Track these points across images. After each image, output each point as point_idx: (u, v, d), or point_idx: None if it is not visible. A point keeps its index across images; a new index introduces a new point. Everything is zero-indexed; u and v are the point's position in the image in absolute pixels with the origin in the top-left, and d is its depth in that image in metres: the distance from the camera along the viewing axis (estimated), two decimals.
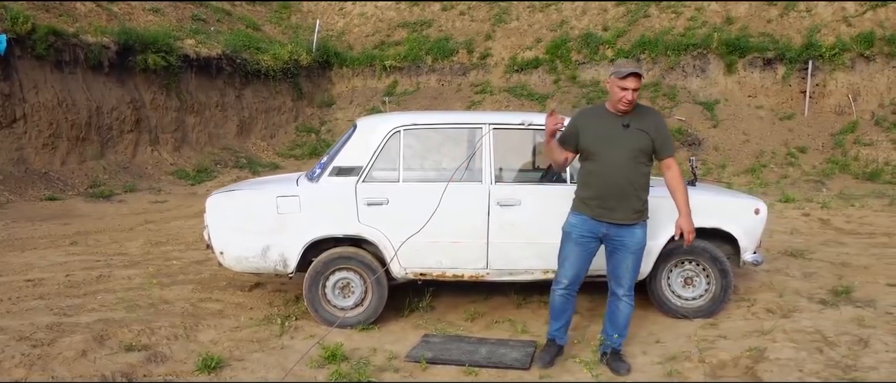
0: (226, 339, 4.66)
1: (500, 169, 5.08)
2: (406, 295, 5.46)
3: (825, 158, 14.46)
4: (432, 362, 4.38)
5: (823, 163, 14.29)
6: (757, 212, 5.13)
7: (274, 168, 14.98)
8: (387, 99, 18.24)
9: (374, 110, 17.96)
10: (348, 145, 5.07)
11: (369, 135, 5.06)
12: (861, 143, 14.56)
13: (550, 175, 5.11)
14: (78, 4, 14.06)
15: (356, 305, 5.03)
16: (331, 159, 5.09)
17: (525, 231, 4.92)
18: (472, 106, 17.55)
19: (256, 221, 4.98)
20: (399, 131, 5.02)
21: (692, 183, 5.41)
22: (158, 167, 13.46)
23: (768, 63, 16.38)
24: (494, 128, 5.01)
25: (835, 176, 13.68)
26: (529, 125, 5.06)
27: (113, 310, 5.11)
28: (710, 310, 5.11)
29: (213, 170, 14.10)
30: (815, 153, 14.73)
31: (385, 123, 5.08)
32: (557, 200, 4.93)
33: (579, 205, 4.18)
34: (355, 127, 5.21)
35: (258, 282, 6.02)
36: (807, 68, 15.87)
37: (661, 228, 4.94)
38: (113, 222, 9.04)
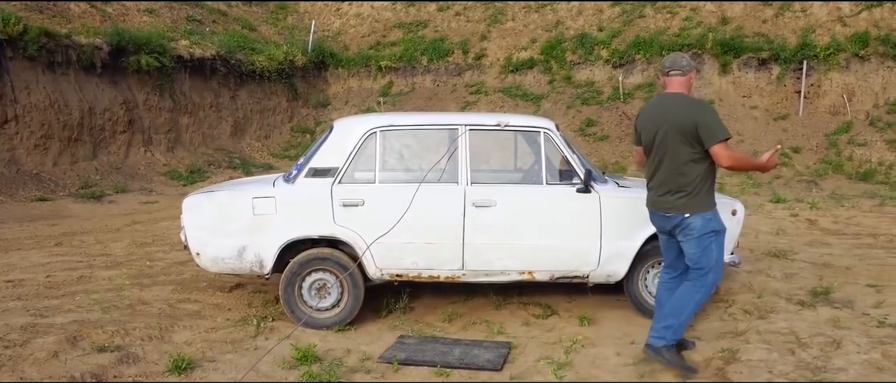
0: (200, 340, 4.66)
1: (476, 170, 5.07)
2: (384, 297, 5.46)
3: (819, 158, 14.44)
4: (405, 363, 4.38)
5: (817, 163, 14.27)
6: (733, 213, 5.11)
7: (268, 168, 14.98)
8: (382, 99, 18.26)
9: (370, 111, 17.97)
10: (325, 146, 5.08)
11: (346, 136, 5.06)
12: (855, 144, 14.54)
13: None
14: (72, 5, 14.09)
15: (333, 306, 5.03)
16: (307, 160, 5.09)
17: (500, 232, 4.92)
18: (466, 106, 17.56)
19: (232, 222, 4.98)
20: (375, 132, 5.02)
21: None
22: (151, 168, 13.48)
23: (763, 63, 16.38)
24: (470, 130, 5.02)
25: (828, 176, 13.66)
26: (505, 126, 5.06)
27: (90, 311, 5.11)
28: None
29: (206, 170, 14.11)
30: (809, 153, 14.70)
31: (361, 125, 5.09)
32: (532, 201, 4.97)
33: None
34: (332, 128, 5.21)
35: (239, 283, 6.02)
36: (801, 68, 15.86)
37: (636, 229, 4.95)
38: (101, 223, 9.06)
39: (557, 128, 5.13)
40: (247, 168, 14.88)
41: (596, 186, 4.95)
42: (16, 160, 11.25)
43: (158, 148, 14.16)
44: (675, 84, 4.10)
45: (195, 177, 13.43)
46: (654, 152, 4.10)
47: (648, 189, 4.26)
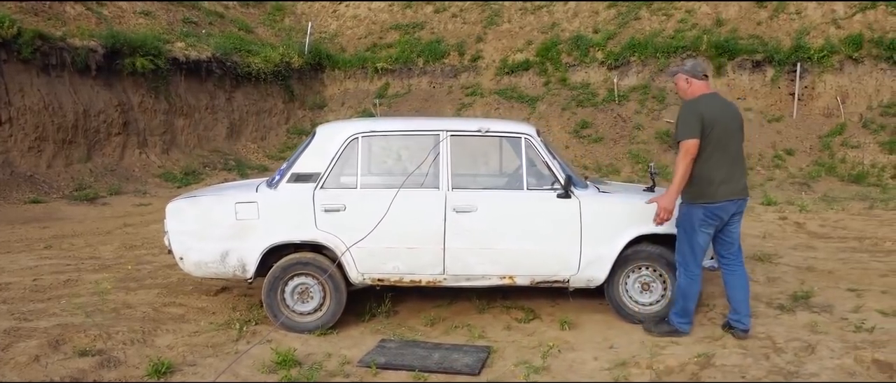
0: (182, 344, 4.70)
1: (458, 175, 5.11)
2: (367, 301, 5.50)
3: (812, 161, 14.47)
4: (384, 367, 4.41)
5: (810, 165, 14.30)
6: None
7: (263, 170, 15.02)
8: (378, 101, 18.29)
9: (366, 112, 18.02)
10: (307, 152, 5.12)
11: (328, 142, 5.11)
12: (848, 146, 14.57)
13: None
14: (67, 7, 14.14)
15: (315, 310, 5.07)
16: (289, 166, 5.14)
17: (481, 237, 4.96)
18: (462, 108, 17.60)
19: (215, 227, 5.02)
20: (357, 138, 5.07)
21: (651, 188, 5.45)
22: (146, 169, 13.52)
23: (757, 65, 16.39)
24: (452, 135, 5.06)
25: (821, 178, 13.70)
26: (486, 132, 5.10)
27: (74, 315, 5.15)
28: (667, 316, 5.14)
29: (200, 172, 14.16)
30: (803, 155, 14.74)
31: (343, 130, 5.13)
32: (513, 207, 5.01)
33: None
34: (314, 133, 5.26)
35: (225, 287, 6.06)
36: (795, 70, 15.88)
37: (616, 234, 5.00)
38: (92, 225, 9.10)
39: (538, 134, 5.18)
40: (242, 170, 14.92)
41: (576, 192, 4.99)
42: (10, 162, 11.30)
43: (153, 150, 14.21)
44: (707, 87, 4.63)
45: (190, 179, 13.48)
46: (726, 145, 4.49)
47: (722, 182, 4.48)
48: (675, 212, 4.64)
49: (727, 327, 4.85)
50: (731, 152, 4.52)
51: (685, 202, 4.64)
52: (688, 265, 4.68)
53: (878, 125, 14.80)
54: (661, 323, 4.88)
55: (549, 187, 5.02)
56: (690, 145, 4.41)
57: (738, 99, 16.34)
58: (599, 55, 17.64)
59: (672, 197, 4.54)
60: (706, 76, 4.65)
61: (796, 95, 15.87)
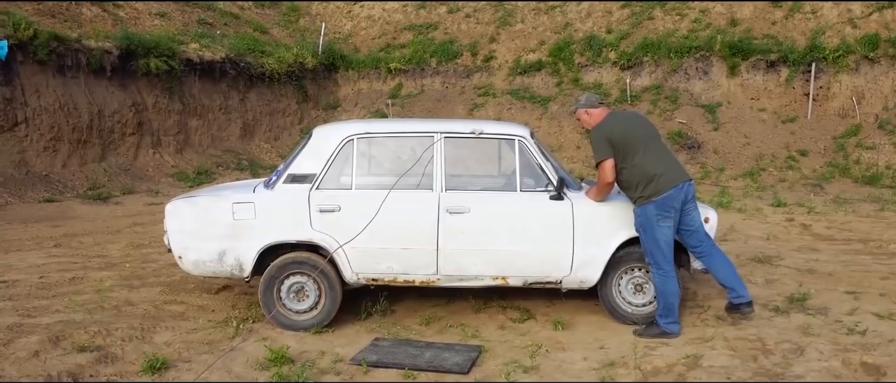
0: (179, 341, 4.80)
1: (451, 176, 5.17)
2: (363, 300, 5.56)
3: (826, 162, 14.35)
4: (375, 365, 4.48)
5: (824, 166, 14.18)
6: (706, 220, 5.16)
7: (274, 169, 15.13)
8: (390, 102, 18.38)
9: (379, 113, 18.12)
10: (303, 153, 5.21)
11: (323, 143, 5.19)
12: (863, 147, 14.42)
13: None
14: (84, 10, 14.37)
15: (311, 308, 5.15)
16: (286, 167, 5.23)
17: (474, 238, 5.01)
18: (474, 108, 17.63)
19: (213, 227, 5.11)
20: (352, 139, 5.14)
21: None
22: (159, 169, 13.71)
23: (771, 65, 16.27)
24: (446, 137, 5.12)
25: (834, 179, 13.58)
26: (480, 134, 5.15)
27: (76, 312, 5.27)
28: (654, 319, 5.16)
29: (213, 172, 14.32)
30: (817, 156, 14.61)
31: (339, 132, 5.21)
32: (506, 208, 5.05)
33: None
34: (310, 135, 5.34)
35: (226, 285, 6.15)
36: (810, 70, 15.74)
37: (608, 236, 5.03)
38: (103, 224, 9.26)
39: (532, 136, 5.22)
40: (255, 170, 15.07)
41: (569, 193, 5.02)
42: (25, 162, 11.52)
43: (167, 150, 14.40)
44: (605, 110, 5.09)
45: (202, 179, 13.64)
46: (646, 146, 4.85)
47: (660, 175, 4.74)
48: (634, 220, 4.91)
49: (732, 309, 4.97)
50: (654, 149, 4.89)
51: (638, 206, 4.81)
52: (658, 263, 4.78)
53: (894, 126, 14.63)
54: (650, 327, 4.91)
55: (543, 189, 5.06)
56: (607, 164, 4.82)
57: (752, 99, 16.29)
58: (612, 55, 17.59)
59: (593, 195, 5.01)
60: (602, 103, 5.15)
61: (811, 96, 15.73)
